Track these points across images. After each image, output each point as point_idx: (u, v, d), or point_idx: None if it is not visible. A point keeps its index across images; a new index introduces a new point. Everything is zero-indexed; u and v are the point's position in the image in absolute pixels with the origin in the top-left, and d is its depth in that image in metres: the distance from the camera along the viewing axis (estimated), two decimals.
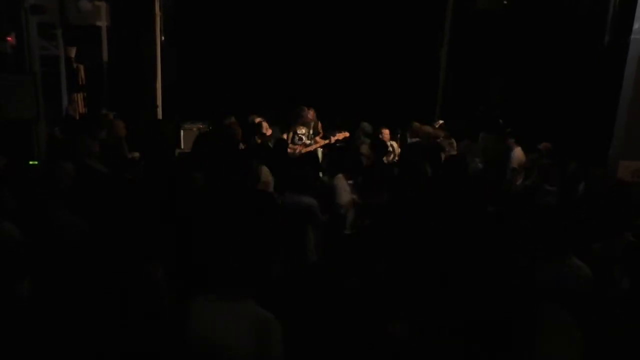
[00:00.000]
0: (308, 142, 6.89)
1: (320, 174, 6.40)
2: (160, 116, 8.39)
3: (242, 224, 3.51)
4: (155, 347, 2.82)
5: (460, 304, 2.94)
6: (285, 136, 6.77)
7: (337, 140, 7.02)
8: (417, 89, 9.38)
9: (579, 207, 4.62)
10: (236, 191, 4.05)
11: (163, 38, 8.50)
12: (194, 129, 8.06)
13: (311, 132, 6.98)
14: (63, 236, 3.45)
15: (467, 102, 9.21)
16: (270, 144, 6.21)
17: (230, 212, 3.69)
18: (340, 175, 5.02)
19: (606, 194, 4.36)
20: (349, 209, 4.90)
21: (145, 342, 2.88)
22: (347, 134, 7.03)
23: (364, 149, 5.74)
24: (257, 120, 6.51)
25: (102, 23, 8.06)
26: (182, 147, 7.95)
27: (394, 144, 7.16)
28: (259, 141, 6.17)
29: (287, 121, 7.00)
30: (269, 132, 6.46)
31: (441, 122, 7.80)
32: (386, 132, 7.02)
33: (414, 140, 6.91)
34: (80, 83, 8.02)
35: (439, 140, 6.81)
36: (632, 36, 5.67)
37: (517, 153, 6.69)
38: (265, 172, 4.62)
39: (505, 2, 8.82)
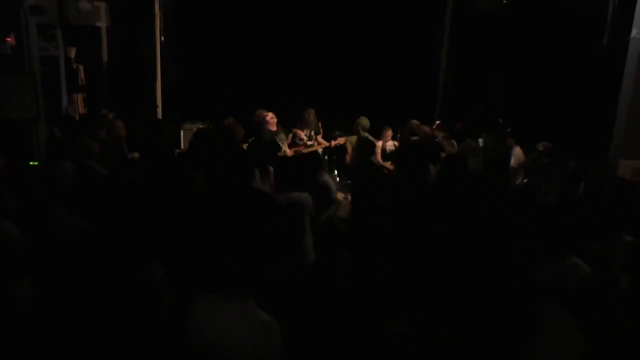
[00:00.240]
0: (309, 142, 6.89)
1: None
2: (160, 116, 8.40)
3: (242, 224, 3.51)
4: (155, 347, 2.82)
5: (460, 304, 2.94)
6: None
7: (336, 145, 7.11)
8: (417, 89, 9.37)
9: (579, 207, 4.61)
10: (236, 191, 4.05)
11: (163, 38, 8.51)
12: (194, 129, 8.01)
13: (312, 132, 6.97)
14: (63, 236, 3.46)
15: (467, 102, 9.21)
16: (278, 140, 6.18)
17: (230, 212, 3.69)
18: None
19: (606, 193, 4.36)
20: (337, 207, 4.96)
21: (145, 342, 2.87)
22: (342, 140, 7.09)
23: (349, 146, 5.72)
24: (264, 114, 6.37)
25: (102, 23, 8.05)
26: (182, 147, 7.96)
27: (396, 143, 7.17)
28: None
29: (287, 121, 6.99)
30: (274, 127, 6.35)
31: (438, 122, 7.81)
32: (388, 133, 7.02)
33: (413, 138, 6.91)
34: (80, 83, 8.01)
35: (438, 139, 6.82)
36: (632, 35, 5.68)
37: (517, 153, 6.71)
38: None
39: (505, 2, 8.81)
